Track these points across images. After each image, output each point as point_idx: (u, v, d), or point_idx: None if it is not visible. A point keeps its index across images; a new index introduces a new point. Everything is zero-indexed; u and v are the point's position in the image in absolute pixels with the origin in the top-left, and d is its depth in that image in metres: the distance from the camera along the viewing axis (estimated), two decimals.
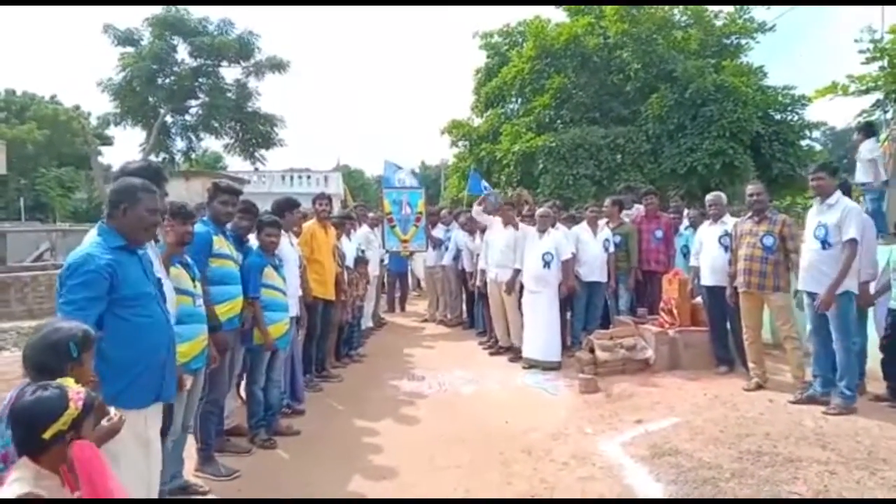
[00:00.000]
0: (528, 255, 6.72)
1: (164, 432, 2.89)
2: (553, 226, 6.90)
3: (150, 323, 2.61)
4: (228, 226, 4.15)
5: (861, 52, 10.81)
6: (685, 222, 7.52)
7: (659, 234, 7.37)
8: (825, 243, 4.68)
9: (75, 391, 1.86)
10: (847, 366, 4.64)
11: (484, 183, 12.95)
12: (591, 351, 6.18)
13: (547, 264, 6.59)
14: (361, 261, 7.50)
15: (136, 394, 2.59)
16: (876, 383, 5.06)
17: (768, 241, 5.19)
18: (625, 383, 5.74)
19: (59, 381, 1.87)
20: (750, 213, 5.45)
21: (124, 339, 2.52)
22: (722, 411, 4.81)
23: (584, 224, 7.36)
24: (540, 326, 6.59)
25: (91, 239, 2.58)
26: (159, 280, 2.75)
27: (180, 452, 3.59)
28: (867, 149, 6.78)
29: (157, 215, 2.69)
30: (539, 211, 7.03)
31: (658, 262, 7.29)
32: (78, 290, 2.41)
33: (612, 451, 4.22)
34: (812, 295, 4.82)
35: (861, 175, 6.96)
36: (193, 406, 3.65)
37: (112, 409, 2.16)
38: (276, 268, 4.55)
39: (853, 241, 4.58)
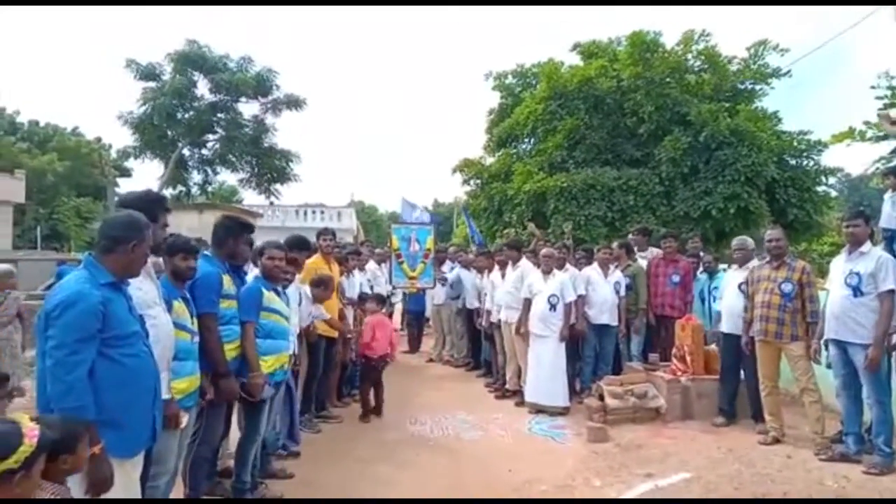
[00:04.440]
0: (534, 298, 6.56)
1: (143, 478, 2.73)
2: (562, 267, 6.76)
3: (139, 363, 2.47)
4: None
5: (878, 98, 10.76)
6: (701, 267, 7.32)
7: (676, 278, 7.10)
8: (857, 291, 4.53)
9: (30, 427, 1.75)
10: (883, 421, 4.43)
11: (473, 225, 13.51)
12: (601, 398, 5.97)
13: (553, 307, 6.41)
14: (367, 298, 7.37)
15: (130, 441, 2.45)
16: None
17: (787, 287, 5.02)
18: (635, 433, 5.52)
19: (12, 416, 1.77)
20: (768, 259, 5.29)
21: (116, 382, 2.36)
22: (737, 467, 4.58)
23: (595, 265, 7.20)
24: (546, 370, 6.38)
25: (76, 274, 2.43)
26: (141, 317, 2.64)
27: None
28: None
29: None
30: (543, 251, 6.89)
31: (673, 306, 7.02)
32: (70, 331, 2.24)
33: (616, 497, 4.00)
34: (840, 344, 4.62)
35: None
36: (183, 447, 3.49)
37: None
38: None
39: (892, 293, 4.42)
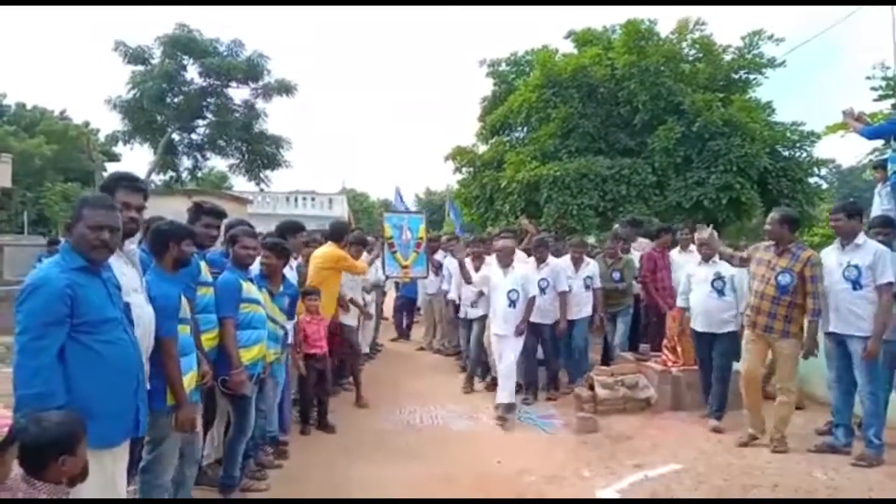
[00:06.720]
0: (493, 294, 6.24)
1: (130, 470, 2.67)
2: (544, 259, 6.69)
3: (114, 349, 2.38)
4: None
5: (873, 89, 10.73)
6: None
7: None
8: (857, 284, 4.48)
9: (1, 416, 1.69)
10: (874, 413, 4.44)
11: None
12: (591, 388, 5.95)
13: (512, 303, 6.02)
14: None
15: (107, 431, 2.35)
16: (889, 432, 4.80)
17: (785, 279, 4.64)
18: (625, 423, 5.50)
19: None
20: (773, 241, 4.88)
21: (89, 369, 2.30)
22: (727, 458, 4.58)
23: (566, 259, 7.04)
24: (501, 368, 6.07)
25: (51, 259, 2.39)
26: (127, 305, 2.56)
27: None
28: None
29: (103, 232, 2.38)
30: (498, 244, 6.48)
31: (673, 297, 7.00)
32: (35, 315, 2.20)
33: (609, 498, 3.98)
34: (838, 337, 4.60)
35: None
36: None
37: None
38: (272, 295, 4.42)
39: (890, 285, 4.39)
